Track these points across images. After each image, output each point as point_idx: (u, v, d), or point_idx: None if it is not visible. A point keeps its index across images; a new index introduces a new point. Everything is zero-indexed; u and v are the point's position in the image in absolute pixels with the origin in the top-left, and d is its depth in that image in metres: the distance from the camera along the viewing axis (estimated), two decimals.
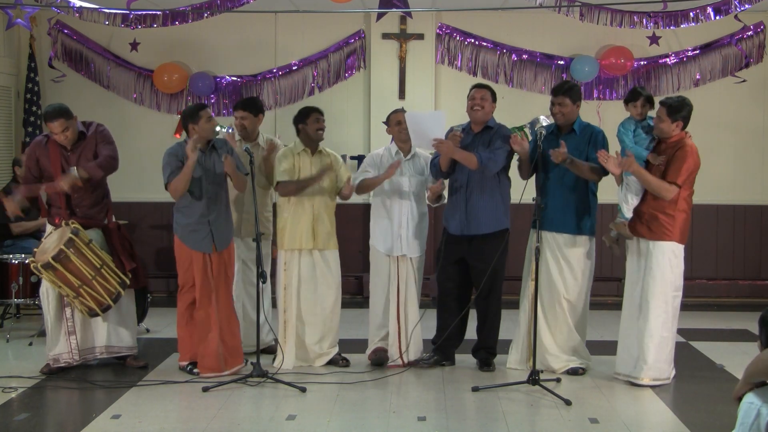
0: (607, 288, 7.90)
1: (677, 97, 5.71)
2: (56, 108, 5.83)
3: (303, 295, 6.13)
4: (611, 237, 5.99)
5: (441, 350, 6.18)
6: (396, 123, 6.19)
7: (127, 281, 5.96)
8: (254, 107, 6.51)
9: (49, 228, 6.03)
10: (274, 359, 6.18)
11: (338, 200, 6.29)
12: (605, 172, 5.84)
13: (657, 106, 5.74)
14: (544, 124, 5.84)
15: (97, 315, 5.89)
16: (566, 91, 5.93)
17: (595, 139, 5.92)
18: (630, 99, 5.87)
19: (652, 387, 5.65)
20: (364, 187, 6.23)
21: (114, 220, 6.19)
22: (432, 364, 6.14)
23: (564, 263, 5.94)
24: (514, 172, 6.11)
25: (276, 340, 6.24)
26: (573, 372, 5.94)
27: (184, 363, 6.04)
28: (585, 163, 5.82)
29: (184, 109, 6.11)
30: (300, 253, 6.12)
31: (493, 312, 6.10)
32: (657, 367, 5.68)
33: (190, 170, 5.74)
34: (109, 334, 6.11)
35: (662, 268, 5.64)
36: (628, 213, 5.78)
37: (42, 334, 6.53)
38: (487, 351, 6.16)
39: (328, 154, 6.24)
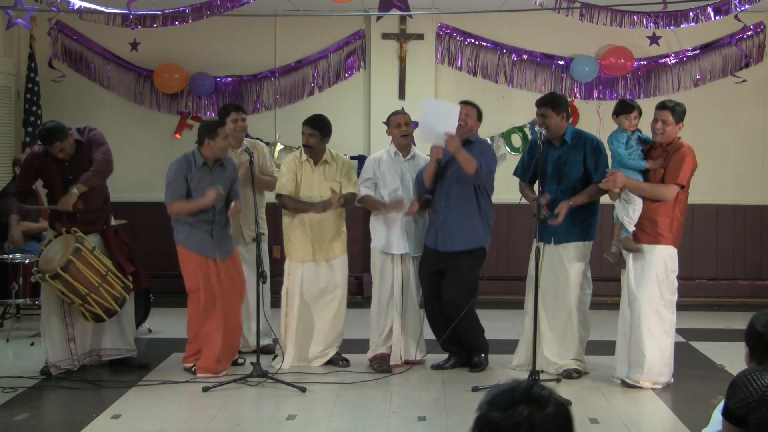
0: (607, 288, 7.88)
1: (676, 102, 5.70)
2: (49, 130, 5.77)
3: (306, 301, 6.12)
4: (614, 253, 5.86)
5: (451, 351, 6.15)
6: (396, 125, 6.15)
7: (131, 285, 5.97)
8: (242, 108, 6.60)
9: (49, 233, 6.02)
10: (273, 359, 6.19)
11: None
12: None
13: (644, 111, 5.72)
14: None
15: (103, 320, 5.88)
16: (548, 102, 5.89)
17: (590, 148, 5.89)
18: (623, 111, 5.73)
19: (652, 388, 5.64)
20: (366, 205, 6.23)
21: (112, 223, 6.19)
22: (451, 367, 6.11)
23: (568, 269, 5.91)
24: (507, 182, 6.06)
25: (275, 340, 6.25)
26: (567, 375, 5.88)
27: (189, 365, 6.03)
28: (583, 193, 5.83)
29: (203, 122, 6.15)
30: (303, 262, 6.11)
31: (467, 318, 5.95)
32: (655, 371, 5.63)
33: (198, 208, 5.82)
34: (110, 338, 6.10)
35: (658, 271, 5.59)
36: (631, 227, 5.65)
37: None
38: (471, 352, 6.13)
39: (335, 159, 6.15)
